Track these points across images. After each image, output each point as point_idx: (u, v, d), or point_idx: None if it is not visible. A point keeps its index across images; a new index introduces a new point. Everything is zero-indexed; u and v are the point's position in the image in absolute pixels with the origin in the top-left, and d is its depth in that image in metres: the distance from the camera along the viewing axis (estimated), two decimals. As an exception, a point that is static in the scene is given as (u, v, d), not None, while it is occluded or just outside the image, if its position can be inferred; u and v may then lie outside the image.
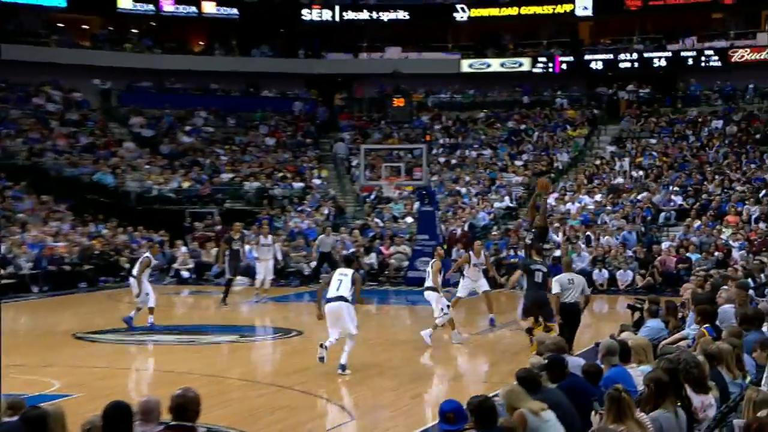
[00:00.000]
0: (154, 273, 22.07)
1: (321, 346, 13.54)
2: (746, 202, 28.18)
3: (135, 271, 18.46)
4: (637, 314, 13.80)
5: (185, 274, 28.15)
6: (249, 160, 37.23)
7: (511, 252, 27.21)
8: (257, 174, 35.56)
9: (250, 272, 25.43)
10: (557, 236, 27.38)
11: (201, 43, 44.24)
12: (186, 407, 6.32)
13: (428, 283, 16.66)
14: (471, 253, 18.55)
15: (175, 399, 6.37)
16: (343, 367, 13.54)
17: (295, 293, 26.04)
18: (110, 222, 30.25)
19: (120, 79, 39.72)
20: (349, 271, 13.79)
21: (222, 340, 17.14)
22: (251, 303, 22.74)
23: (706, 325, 10.48)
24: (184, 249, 29.08)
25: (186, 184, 34.13)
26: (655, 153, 34.15)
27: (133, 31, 42.57)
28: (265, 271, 23.09)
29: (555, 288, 14.00)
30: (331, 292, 13.55)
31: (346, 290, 13.50)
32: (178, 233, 30.40)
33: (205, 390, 8.83)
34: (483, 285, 18.40)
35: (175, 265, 28.43)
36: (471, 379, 13.87)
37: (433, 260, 17.05)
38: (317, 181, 36.32)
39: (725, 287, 13.48)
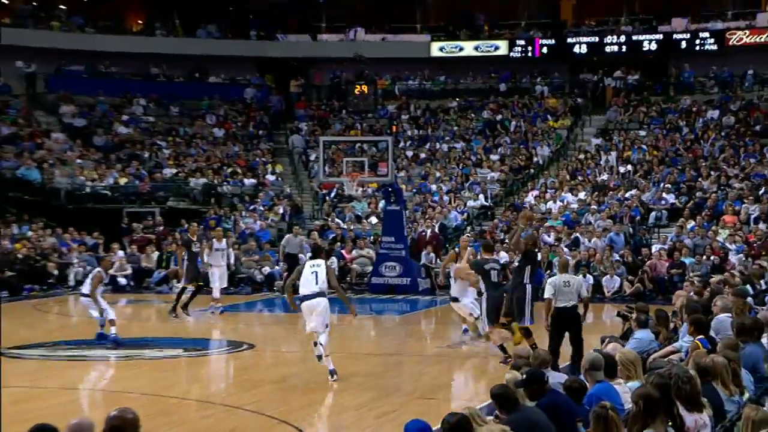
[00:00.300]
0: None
1: (315, 344, 14.09)
2: (745, 201, 28.48)
3: (86, 289, 18.32)
4: (627, 324, 13.91)
5: (122, 281, 27.98)
6: (194, 154, 37.07)
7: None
8: (204, 169, 35.41)
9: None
10: (548, 237, 27.67)
11: (140, 21, 44.00)
12: (123, 430, 6.28)
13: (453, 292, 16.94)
14: (458, 249, 18.87)
15: (111, 421, 6.32)
16: (333, 373, 14.05)
17: (246, 302, 25.93)
18: (36, 223, 29.96)
19: (47, 62, 39.30)
20: (321, 262, 14.21)
21: (164, 355, 17.05)
22: (207, 312, 22.64)
23: (700, 336, 10.58)
24: (120, 253, 28.89)
25: (123, 181, 33.90)
26: (644, 146, 34.45)
27: (62, 7, 42.18)
28: (220, 278, 23.04)
29: (548, 291, 14.02)
30: (309, 288, 13.94)
31: (323, 283, 13.94)
32: (114, 236, 30.19)
33: (145, 411, 8.78)
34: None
35: (111, 272, 28.20)
36: (442, 396, 13.91)
37: (457, 265, 17.22)
38: (271, 177, 36.24)
39: (722, 295, 13.63)
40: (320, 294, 13.90)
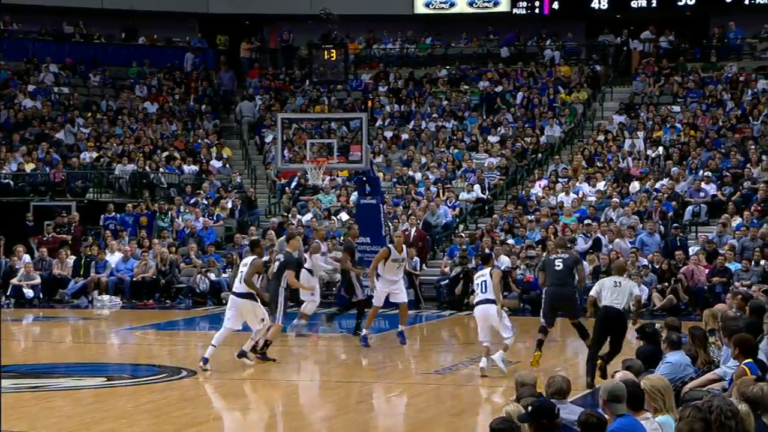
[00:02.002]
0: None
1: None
2: (803, 192, 28.69)
3: None
4: (644, 343, 13.91)
5: (29, 293, 27.86)
6: (120, 134, 36.94)
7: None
8: (132, 153, 35.31)
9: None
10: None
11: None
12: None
13: (486, 295, 17.35)
14: (392, 246, 20.17)
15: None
16: (242, 354, 17.59)
17: (186, 318, 25.87)
18: None
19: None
20: (249, 259, 17.05)
21: (83, 385, 17.01)
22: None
23: (748, 360, 10.65)
24: (26, 258, 28.76)
25: (29, 167, 33.75)
26: (678, 125, 34.58)
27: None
28: None
29: (594, 290, 15.90)
30: (234, 286, 17.62)
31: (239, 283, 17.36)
32: (17, 236, 30.06)
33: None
34: (401, 292, 20.37)
35: (15, 281, 28.13)
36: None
37: (489, 269, 17.67)
38: (217, 164, 36.16)
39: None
40: (240, 295, 17.41)
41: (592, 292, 15.93)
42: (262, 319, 17.64)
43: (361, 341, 20.26)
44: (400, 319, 20.64)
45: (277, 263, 18.93)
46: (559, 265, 16.69)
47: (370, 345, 20.16)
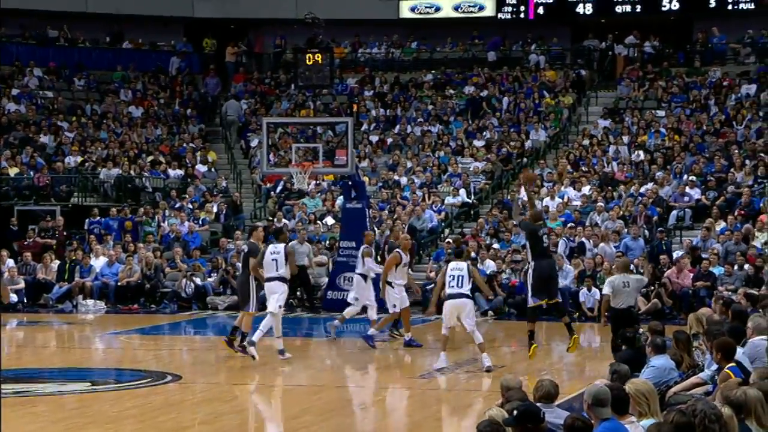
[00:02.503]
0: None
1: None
2: (786, 197, 28.78)
3: None
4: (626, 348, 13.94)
5: (13, 297, 27.80)
6: (105, 139, 36.88)
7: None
8: (117, 157, 35.25)
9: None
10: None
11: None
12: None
13: (462, 290, 17.81)
14: (401, 251, 20.65)
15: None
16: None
17: (171, 323, 25.82)
18: None
19: None
20: (280, 246, 19.41)
21: (67, 390, 16.97)
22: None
23: (731, 364, 10.67)
24: (10, 262, 28.70)
25: (13, 171, 33.65)
26: (663, 129, 34.67)
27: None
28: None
29: (606, 289, 16.98)
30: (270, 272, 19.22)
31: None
32: (1, 240, 29.97)
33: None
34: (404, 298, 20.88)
35: (-1, 285, 28.06)
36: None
37: (466, 263, 18.31)
38: (202, 168, 36.13)
39: (758, 313, 13.73)
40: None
41: (606, 291, 16.95)
42: (280, 306, 19.07)
43: (368, 342, 20.79)
44: (405, 323, 21.22)
45: (241, 254, 20.43)
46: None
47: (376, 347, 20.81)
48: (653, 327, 13.26)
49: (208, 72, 41.62)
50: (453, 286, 17.55)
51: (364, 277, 21.47)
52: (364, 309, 21.42)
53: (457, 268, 17.70)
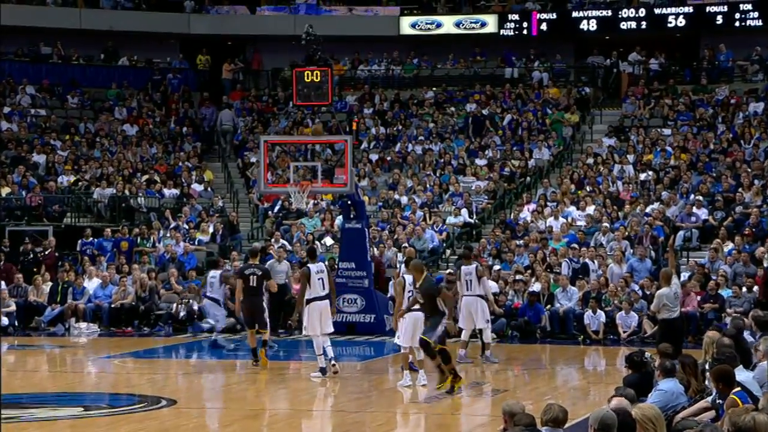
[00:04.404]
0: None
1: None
2: (796, 217, 28.79)
3: None
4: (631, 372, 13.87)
5: (4, 320, 27.75)
6: (99, 157, 36.88)
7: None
8: (111, 177, 35.24)
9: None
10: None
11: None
12: None
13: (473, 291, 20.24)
14: (404, 276, 19.61)
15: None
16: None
17: (165, 346, 25.78)
18: None
19: None
20: (321, 266, 20.31)
21: (59, 415, 16.93)
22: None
23: (737, 389, 10.64)
24: (2, 285, 28.64)
25: (5, 191, 33.64)
26: (669, 148, 34.66)
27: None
28: None
29: (654, 305, 18.08)
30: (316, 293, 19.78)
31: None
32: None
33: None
34: None
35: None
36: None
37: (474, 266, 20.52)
38: (198, 187, 36.11)
39: (765, 336, 13.69)
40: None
41: (654, 308, 18.19)
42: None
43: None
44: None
45: (252, 277, 20.96)
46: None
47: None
48: (663, 350, 13.20)
49: (203, 102, 41.50)
50: (465, 291, 20.15)
51: (483, 298, 21.52)
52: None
53: (468, 272, 20.16)
